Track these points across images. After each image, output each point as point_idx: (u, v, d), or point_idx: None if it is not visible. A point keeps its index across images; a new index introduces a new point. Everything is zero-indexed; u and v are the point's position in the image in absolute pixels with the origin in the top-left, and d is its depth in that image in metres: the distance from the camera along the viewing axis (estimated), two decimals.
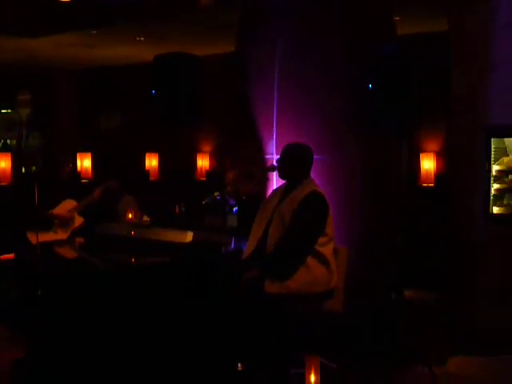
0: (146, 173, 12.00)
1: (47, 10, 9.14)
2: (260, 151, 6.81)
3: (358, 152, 6.56)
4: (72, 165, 7.80)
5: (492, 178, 6.16)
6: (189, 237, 5.79)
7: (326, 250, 5.25)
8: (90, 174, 12.29)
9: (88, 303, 5.38)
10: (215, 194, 6.56)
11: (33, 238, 6.32)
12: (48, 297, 5.60)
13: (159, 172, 12.23)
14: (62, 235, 6.78)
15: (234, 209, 6.66)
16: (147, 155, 12.17)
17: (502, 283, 6.04)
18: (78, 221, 6.89)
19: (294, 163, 5.45)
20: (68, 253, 6.67)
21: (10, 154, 11.14)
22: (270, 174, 6.30)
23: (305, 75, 6.64)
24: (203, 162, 11.81)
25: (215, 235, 6.11)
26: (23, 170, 12.49)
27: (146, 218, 7.23)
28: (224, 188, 6.61)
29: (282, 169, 5.50)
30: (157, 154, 12.18)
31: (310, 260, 5.16)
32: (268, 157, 6.78)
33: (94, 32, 9.96)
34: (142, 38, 10.39)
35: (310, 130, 6.50)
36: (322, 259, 5.20)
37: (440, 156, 9.64)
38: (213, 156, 11.76)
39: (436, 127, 9.37)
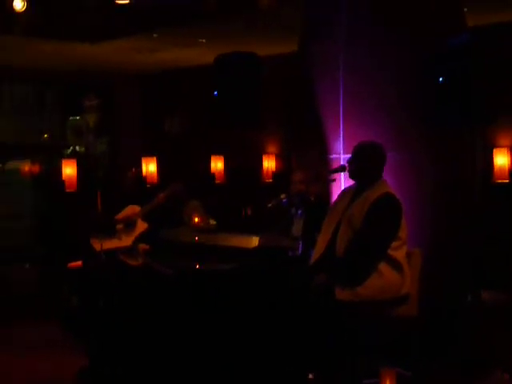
0: (211, 176, 11.83)
1: (107, 15, 9.03)
2: (327, 150, 6.56)
3: (428, 149, 6.26)
4: (136, 169, 7.68)
5: None
6: (254, 242, 5.59)
7: (399, 254, 4.98)
8: (156, 179, 12.19)
9: (153, 311, 5.26)
10: (281, 197, 6.32)
11: (97, 244, 6.23)
12: (113, 305, 5.50)
13: (225, 175, 12.04)
14: (126, 242, 6.65)
15: (299, 211, 6.41)
16: (212, 158, 11.99)
17: None
18: (142, 226, 6.75)
19: (367, 163, 5.18)
20: (133, 260, 6.54)
21: (75, 161, 11.11)
22: (337, 174, 6.00)
23: (371, 70, 6.38)
24: (269, 164, 11.56)
25: (281, 239, 5.88)
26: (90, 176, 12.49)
27: (212, 222, 7.22)
28: (290, 189, 6.36)
29: (354, 169, 5.23)
30: (222, 157, 11.99)
31: (382, 265, 4.90)
32: (335, 156, 6.53)
33: (155, 35, 9.82)
34: (204, 40, 10.22)
35: (377, 127, 6.23)
36: (395, 264, 4.94)
37: None
38: (279, 157, 11.51)
39: (510, 121, 8.96)
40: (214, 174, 11.89)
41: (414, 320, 5.10)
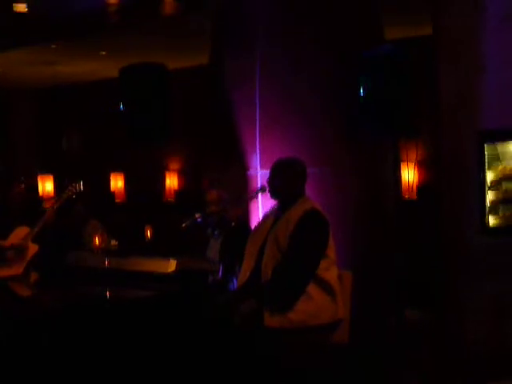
0: (111, 194, 11.23)
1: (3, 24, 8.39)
2: (244, 166, 6.12)
3: (349, 164, 5.92)
4: (23, 182, 6.98)
5: (486, 188, 5.65)
6: (172, 266, 5.04)
7: (330, 275, 4.55)
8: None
9: (56, 347, 4.62)
10: (196, 216, 5.83)
11: None
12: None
13: (125, 193, 11.45)
14: (17, 269, 5.95)
15: (215, 233, 5.94)
16: (112, 175, 11.39)
17: (500, 298, 5.45)
18: (33, 249, 6.05)
19: (288, 180, 4.72)
20: (24, 291, 5.87)
21: None
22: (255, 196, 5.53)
23: (289, 83, 6.00)
24: (172, 182, 11.07)
25: (200, 262, 5.39)
26: None
27: (113, 243, 6.79)
28: (206, 209, 5.87)
29: (274, 187, 4.76)
30: (122, 174, 11.40)
31: (311, 288, 4.46)
32: (252, 172, 6.10)
33: (54, 47, 9.20)
34: (104, 52, 9.66)
35: (296, 142, 5.86)
36: (326, 286, 4.51)
37: (421, 166, 9.02)
38: (182, 175, 11.03)
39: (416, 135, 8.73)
40: (113, 193, 11.29)
41: (345, 347, 4.69)
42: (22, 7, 7.48)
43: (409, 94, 5.76)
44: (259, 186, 4.84)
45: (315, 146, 5.90)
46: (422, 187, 8.95)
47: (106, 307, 4.80)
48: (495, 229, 5.55)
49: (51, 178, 11.49)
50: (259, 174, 6.04)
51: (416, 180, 9.07)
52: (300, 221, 4.50)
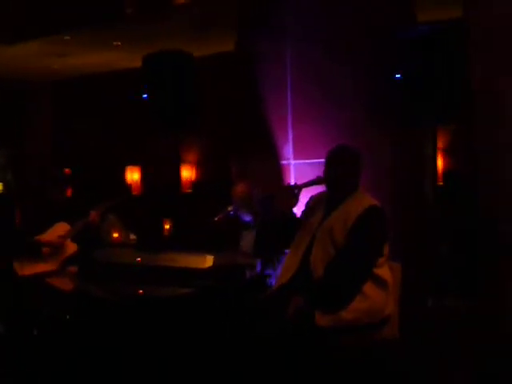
0: (127, 187, 10.92)
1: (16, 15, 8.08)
2: (275, 156, 5.80)
3: (386, 151, 5.61)
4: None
5: None
6: (209, 261, 4.71)
7: (384, 271, 4.22)
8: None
9: (94, 341, 4.40)
10: (228, 209, 5.52)
11: (20, 269, 5.31)
12: (47, 334, 4.61)
13: (142, 186, 11.14)
14: (52, 265, 5.69)
15: (248, 221, 5.62)
16: (128, 169, 11.08)
17: None
18: (71, 248, 5.80)
19: (347, 170, 4.34)
20: (65, 284, 5.60)
21: None
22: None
23: (322, 67, 5.69)
24: (188, 173, 10.76)
25: (238, 257, 5.07)
26: None
27: (132, 237, 6.77)
28: (234, 202, 5.56)
29: (332, 177, 4.35)
30: (138, 167, 11.09)
31: (367, 286, 4.13)
32: (284, 162, 5.78)
33: (67, 38, 8.88)
34: (119, 43, 9.34)
35: (331, 129, 5.55)
36: (381, 282, 4.18)
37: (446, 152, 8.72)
38: (200, 166, 10.72)
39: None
40: (130, 186, 10.99)
41: (396, 341, 4.38)
42: None
43: (447, 78, 5.47)
44: (315, 177, 4.42)
45: (350, 133, 5.58)
46: (447, 172, 8.67)
47: (144, 305, 4.50)
48: None
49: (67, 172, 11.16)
50: (292, 164, 5.73)
51: (441, 166, 8.82)
52: (361, 217, 4.15)
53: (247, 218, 5.54)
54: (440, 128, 8.34)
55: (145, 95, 6.28)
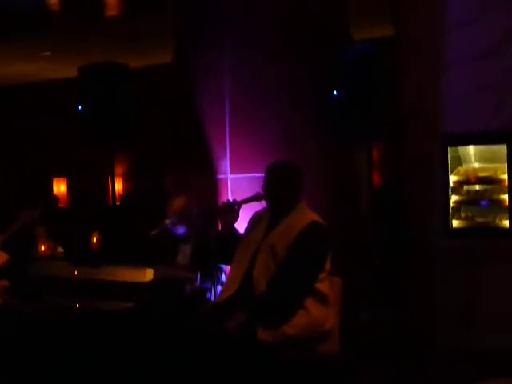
0: (55, 198, 10.73)
1: None
2: (212, 170, 5.79)
3: (323, 163, 5.68)
4: None
5: (450, 190, 5.53)
6: (149, 275, 4.64)
7: (324, 286, 4.23)
8: None
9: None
10: (166, 222, 5.48)
11: None
12: None
13: (68, 198, 10.97)
14: None
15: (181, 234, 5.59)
16: (55, 180, 10.90)
17: (464, 299, 5.42)
18: (2, 257, 5.62)
19: (288, 185, 4.34)
20: None
21: None
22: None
23: (260, 81, 5.72)
24: (117, 186, 10.63)
25: (177, 271, 5.02)
26: None
27: (60, 250, 6.72)
28: (171, 215, 5.51)
29: (272, 193, 4.33)
30: (65, 179, 10.92)
31: (308, 300, 4.14)
32: (221, 176, 5.77)
33: None
34: (49, 53, 9.20)
35: (267, 143, 5.57)
36: (321, 297, 4.20)
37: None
38: (127, 179, 10.61)
39: None
40: (57, 197, 10.81)
41: (336, 356, 4.40)
42: None
43: (383, 94, 5.59)
44: (255, 193, 4.43)
45: (286, 147, 5.62)
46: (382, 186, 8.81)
47: (83, 320, 4.39)
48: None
49: None
50: (229, 178, 5.73)
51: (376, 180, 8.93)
52: (302, 232, 4.15)
53: (181, 230, 5.50)
54: (375, 143, 8.57)
55: (79, 107, 6.19)
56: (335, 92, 5.54)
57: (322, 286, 4.22)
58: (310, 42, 5.75)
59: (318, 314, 4.18)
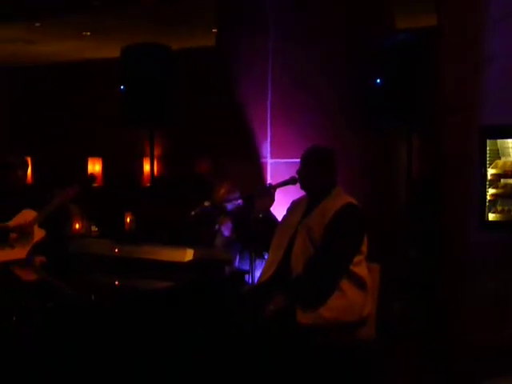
0: (88, 179, 10.77)
1: None
2: (252, 154, 5.79)
3: (363, 151, 5.65)
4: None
5: (487, 183, 5.49)
6: (188, 255, 4.67)
7: (362, 270, 4.25)
8: (30, 180, 10.96)
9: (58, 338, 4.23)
10: (205, 204, 5.51)
11: None
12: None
13: (103, 178, 11.03)
14: (20, 253, 5.56)
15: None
16: (90, 160, 10.96)
17: (497, 293, 5.16)
18: (39, 234, 5.68)
19: (320, 170, 4.39)
20: (29, 275, 5.47)
21: None
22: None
23: (302, 68, 5.72)
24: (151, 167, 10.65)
25: (217, 252, 5.05)
26: None
27: (94, 229, 6.62)
28: (214, 198, 5.54)
29: (306, 178, 4.40)
30: (100, 159, 10.98)
31: (344, 283, 4.16)
32: (262, 161, 5.77)
33: (38, 25, 8.75)
34: (89, 33, 9.25)
35: (308, 129, 5.56)
36: (359, 281, 4.21)
37: None
38: (161, 161, 10.64)
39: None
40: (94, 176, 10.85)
41: (372, 342, 4.41)
42: None
43: (424, 84, 5.55)
44: (289, 176, 4.46)
45: (327, 134, 5.61)
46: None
47: (121, 299, 4.41)
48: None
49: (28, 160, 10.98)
50: (269, 163, 5.73)
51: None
52: (337, 214, 4.18)
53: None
54: (414, 133, 8.53)
55: (122, 86, 6.21)
56: (378, 80, 5.49)
57: (359, 269, 4.23)
58: (352, 28, 5.70)
59: (354, 297, 4.19)
